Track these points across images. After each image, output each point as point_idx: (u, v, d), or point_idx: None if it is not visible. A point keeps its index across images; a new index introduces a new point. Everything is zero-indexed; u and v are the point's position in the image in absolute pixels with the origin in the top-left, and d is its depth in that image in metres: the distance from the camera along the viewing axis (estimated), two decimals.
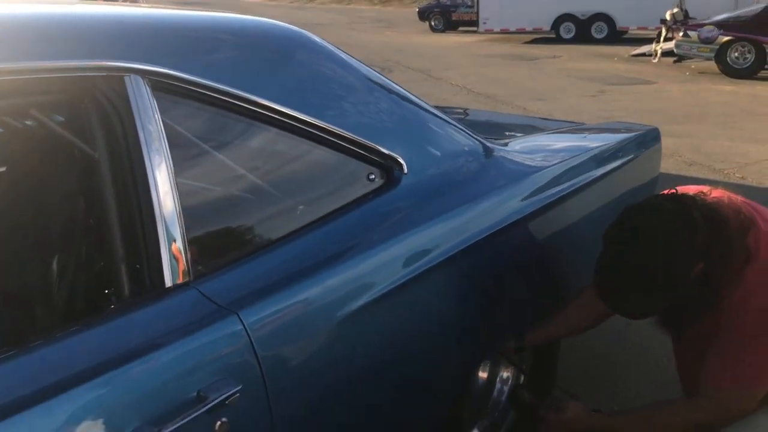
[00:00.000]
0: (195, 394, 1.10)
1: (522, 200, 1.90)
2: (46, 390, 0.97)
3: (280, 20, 1.70)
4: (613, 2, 17.27)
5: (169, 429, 1.04)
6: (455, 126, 1.92)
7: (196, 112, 1.35)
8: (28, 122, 1.25)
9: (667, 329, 1.83)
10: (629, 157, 2.46)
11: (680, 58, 12.35)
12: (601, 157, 2.32)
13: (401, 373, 1.58)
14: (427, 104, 1.90)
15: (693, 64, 12.49)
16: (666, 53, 12.88)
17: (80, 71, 1.16)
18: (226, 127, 1.41)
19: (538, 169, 2.04)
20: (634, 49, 14.69)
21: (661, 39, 13.15)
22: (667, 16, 12.99)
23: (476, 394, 2.18)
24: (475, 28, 19.47)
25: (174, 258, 1.20)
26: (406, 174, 1.67)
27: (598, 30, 17.78)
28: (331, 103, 1.60)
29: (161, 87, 1.25)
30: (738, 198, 1.70)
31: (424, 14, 23.31)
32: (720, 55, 11.26)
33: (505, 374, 2.21)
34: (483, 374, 2.18)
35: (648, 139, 2.71)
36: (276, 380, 1.22)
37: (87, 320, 1.15)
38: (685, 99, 9.54)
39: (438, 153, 1.80)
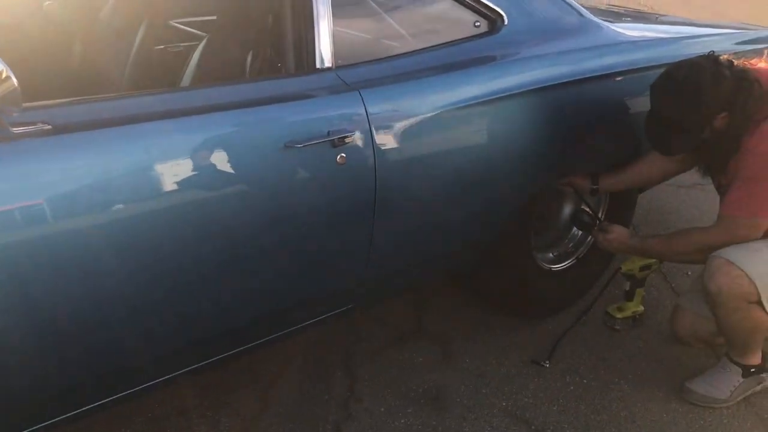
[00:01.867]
0: (326, 131, 1.75)
1: (604, 60, 2.34)
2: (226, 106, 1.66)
3: None
4: None
5: (312, 143, 1.69)
6: None
7: None
8: None
9: (709, 176, 2.24)
10: (731, 48, 2.76)
11: None
12: (702, 41, 2.66)
13: (483, 174, 2.13)
14: None
15: None
16: None
17: None
18: None
19: (629, 40, 2.46)
20: None
21: None
22: None
23: (556, 224, 2.71)
24: None
25: (323, 53, 1.83)
26: (506, 25, 2.19)
27: None
28: None
29: None
30: None
31: None
32: None
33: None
34: (565, 209, 2.70)
35: (761, 39, 2.96)
36: (380, 137, 1.82)
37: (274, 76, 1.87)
38: None
39: (537, 14, 2.29)
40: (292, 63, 1.86)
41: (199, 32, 2.55)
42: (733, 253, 1.99)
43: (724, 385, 2.23)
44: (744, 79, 1.96)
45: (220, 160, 1.59)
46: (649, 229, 3.48)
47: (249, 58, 2.03)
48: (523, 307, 2.62)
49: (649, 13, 3.92)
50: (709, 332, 2.32)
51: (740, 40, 2.83)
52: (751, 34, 2.95)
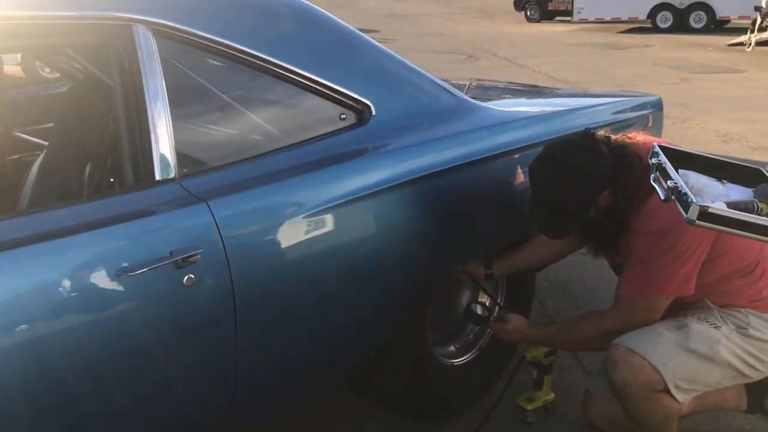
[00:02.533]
0: (168, 252, 1.53)
1: (484, 142, 2.23)
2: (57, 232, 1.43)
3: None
4: None
5: (150, 268, 1.47)
6: (429, 80, 2.27)
7: (192, 55, 1.77)
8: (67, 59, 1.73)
9: (602, 256, 2.12)
10: (616, 117, 2.72)
11: None
12: (580, 114, 2.60)
13: (364, 273, 1.95)
14: (408, 62, 2.26)
15: None
16: (763, 42, 12.50)
17: (99, 19, 1.61)
18: (219, 68, 1.84)
19: (508, 119, 2.37)
20: (732, 39, 14.26)
21: (756, 27, 12.75)
22: (763, 3, 12.59)
23: (455, 315, 2.54)
24: (570, 18, 19.32)
25: (162, 161, 1.63)
26: (374, 116, 2.04)
27: (697, 19, 17.29)
28: (314, 55, 1.99)
29: (163, 35, 1.68)
30: (658, 140, 1.97)
31: (520, 4, 23.20)
32: None
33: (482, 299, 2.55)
34: (463, 297, 2.54)
35: (644, 105, 2.95)
36: (233, 252, 1.62)
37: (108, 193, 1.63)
38: None
39: (408, 100, 2.16)
40: (131, 175, 1.64)
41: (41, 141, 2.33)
42: (634, 341, 1.85)
43: None
44: (623, 155, 1.87)
45: (46, 299, 1.39)
46: (556, 303, 3.36)
47: (87, 171, 1.81)
48: (427, 409, 2.41)
49: (543, 88, 3.90)
50: (623, 416, 2.16)
51: (621, 109, 2.80)
52: (632, 101, 2.93)
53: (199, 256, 1.55)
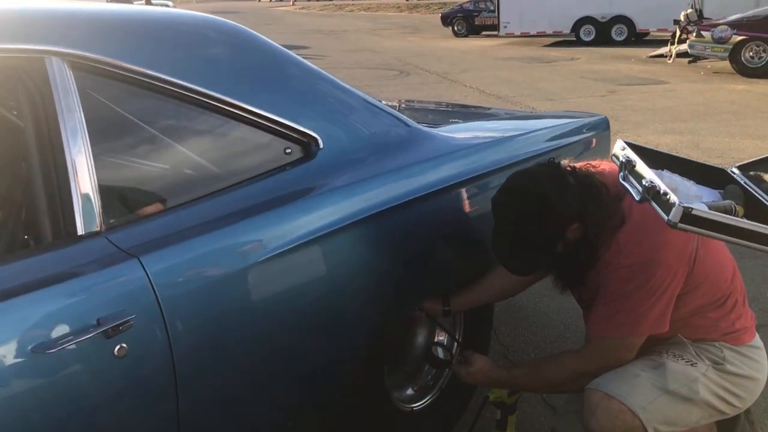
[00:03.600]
0: (95, 321, 1.32)
1: (438, 173, 2.09)
2: None
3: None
4: (632, 4, 17.29)
5: (72, 342, 1.26)
6: (379, 109, 2.11)
7: (115, 89, 1.57)
8: None
9: (568, 291, 2.00)
10: (565, 140, 2.63)
11: (695, 59, 12.35)
12: (529, 139, 2.49)
13: (307, 318, 1.76)
14: (354, 90, 2.10)
15: (709, 64, 12.49)
16: (682, 54, 12.89)
17: (6, 53, 1.39)
18: (147, 103, 1.63)
19: (461, 147, 2.23)
20: (653, 51, 14.71)
21: (676, 40, 13.17)
22: (681, 17, 13.02)
23: (411, 356, 2.39)
24: (497, 32, 19.59)
25: (85, 213, 1.42)
26: (322, 149, 1.87)
27: (618, 32, 17.80)
28: (249, 85, 1.81)
29: (81, 67, 1.47)
30: None
31: (447, 20, 23.46)
32: (734, 55, 11.28)
33: (440, 338, 2.40)
34: (419, 336, 2.38)
35: (591, 126, 2.87)
36: (172, 314, 1.43)
37: (20, 254, 1.40)
38: (694, 98, 9.58)
39: (358, 131, 2.00)
40: (48, 230, 1.42)
41: None
42: (610, 384, 1.73)
43: None
44: (590, 184, 1.75)
45: None
46: (509, 329, 3.25)
47: None
48: None
49: (480, 108, 3.79)
50: None
51: (567, 131, 2.71)
52: (578, 122, 2.85)
53: (131, 322, 1.35)
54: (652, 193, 1.59)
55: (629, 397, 1.71)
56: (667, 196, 1.54)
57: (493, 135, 2.45)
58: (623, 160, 1.74)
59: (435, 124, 2.43)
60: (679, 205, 1.50)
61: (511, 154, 2.33)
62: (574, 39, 18.26)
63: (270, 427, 1.85)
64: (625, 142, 1.81)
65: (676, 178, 1.78)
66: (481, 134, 2.46)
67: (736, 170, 1.96)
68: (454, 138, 2.30)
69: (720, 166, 2.05)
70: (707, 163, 2.09)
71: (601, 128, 2.94)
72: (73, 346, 1.27)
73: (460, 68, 13.80)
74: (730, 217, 1.56)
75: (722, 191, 1.84)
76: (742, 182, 1.89)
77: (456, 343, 2.36)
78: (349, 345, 1.93)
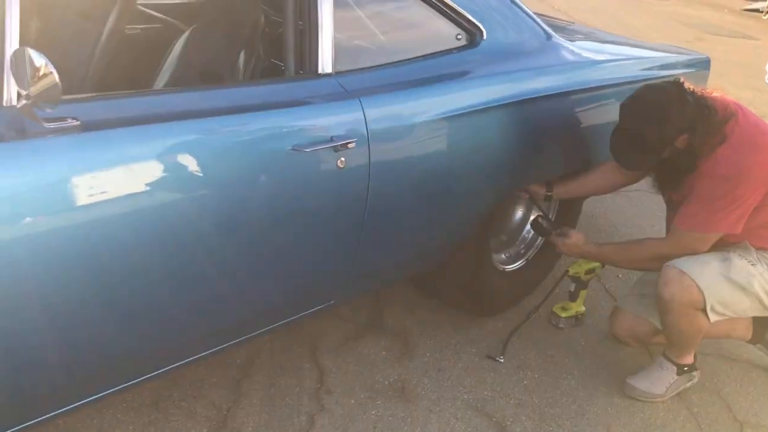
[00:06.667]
0: (330, 136, 1.80)
1: (567, 78, 2.49)
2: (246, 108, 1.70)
3: None
4: None
5: (313, 149, 1.74)
6: (530, 17, 2.51)
7: None
8: None
9: (661, 192, 2.43)
10: (670, 71, 2.98)
11: None
12: (644, 64, 2.87)
13: (459, 181, 2.24)
14: None
15: None
16: None
17: None
18: None
19: (587, 60, 2.63)
20: (749, 4, 14.38)
21: None
22: None
23: (510, 227, 2.87)
24: None
25: (325, 58, 1.88)
26: (485, 39, 2.29)
27: None
28: None
29: None
30: (731, 99, 2.26)
31: None
32: None
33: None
34: (518, 213, 2.86)
35: (694, 63, 3.21)
36: (375, 144, 1.90)
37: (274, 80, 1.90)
38: None
39: (512, 30, 2.41)
40: (293, 67, 1.89)
41: (172, 20, 2.52)
42: (686, 265, 2.18)
43: (662, 381, 2.44)
44: (705, 106, 2.15)
45: (229, 162, 1.65)
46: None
47: (241, 58, 2.04)
48: (477, 305, 2.75)
49: (574, 24, 4.07)
50: (646, 333, 2.53)
51: (676, 62, 3.07)
52: (685, 57, 3.20)
53: (354, 144, 1.83)
54: None
55: (699, 276, 2.16)
56: None
57: (614, 56, 2.82)
58: None
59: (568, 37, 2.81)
60: None
61: (628, 75, 2.72)
62: None
63: (413, 254, 2.36)
64: None
65: None
66: (603, 53, 2.83)
67: None
68: (583, 52, 2.68)
69: None
70: None
71: (703, 67, 3.28)
72: (318, 152, 1.76)
73: None
74: None
75: None
76: None
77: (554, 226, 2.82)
78: (477, 204, 2.40)
